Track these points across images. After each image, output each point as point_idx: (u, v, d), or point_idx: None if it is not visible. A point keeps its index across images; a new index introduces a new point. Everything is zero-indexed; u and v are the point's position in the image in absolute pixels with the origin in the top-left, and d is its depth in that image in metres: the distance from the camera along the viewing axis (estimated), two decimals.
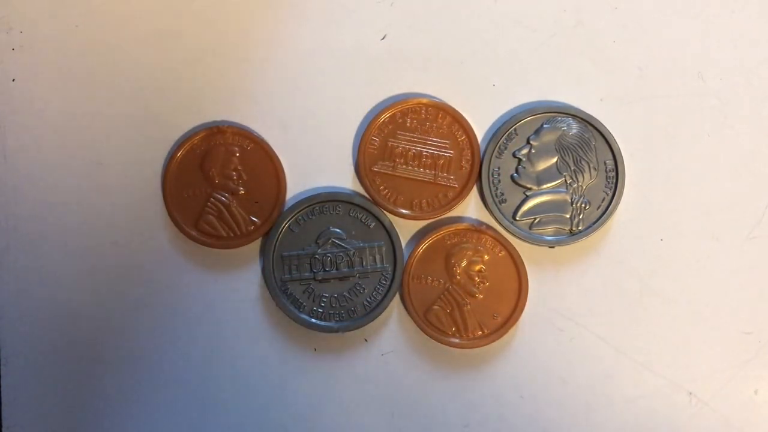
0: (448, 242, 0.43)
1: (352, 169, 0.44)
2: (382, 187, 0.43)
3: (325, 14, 0.45)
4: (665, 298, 0.43)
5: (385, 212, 0.43)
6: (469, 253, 0.43)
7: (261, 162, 0.43)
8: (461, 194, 0.43)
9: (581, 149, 0.43)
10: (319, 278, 0.43)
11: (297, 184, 0.44)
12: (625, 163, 0.43)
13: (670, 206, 0.43)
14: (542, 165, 0.43)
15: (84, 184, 0.44)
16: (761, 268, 0.43)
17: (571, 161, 0.43)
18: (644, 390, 0.42)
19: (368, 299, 0.43)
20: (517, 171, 0.43)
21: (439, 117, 0.44)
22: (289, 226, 0.43)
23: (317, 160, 0.44)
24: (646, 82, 0.44)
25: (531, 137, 0.43)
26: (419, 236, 0.43)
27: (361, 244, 0.43)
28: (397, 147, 0.43)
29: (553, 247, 0.43)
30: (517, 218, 0.43)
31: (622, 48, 0.44)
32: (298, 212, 0.43)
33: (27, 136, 0.44)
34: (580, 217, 0.43)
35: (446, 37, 0.44)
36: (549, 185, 0.43)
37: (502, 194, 0.43)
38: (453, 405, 0.42)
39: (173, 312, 0.43)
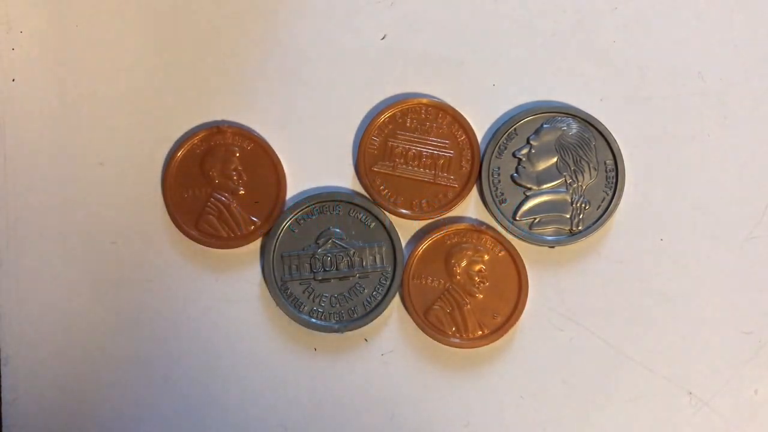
0: (448, 242, 0.43)
1: (352, 169, 0.44)
2: (382, 187, 0.43)
3: (325, 14, 0.45)
4: (665, 298, 0.43)
5: (385, 212, 0.43)
6: (469, 253, 0.43)
7: (261, 162, 0.43)
8: (461, 194, 0.43)
9: (581, 149, 0.43)
10: (319, 278, 0.43)
11: (297, 184, 0.44)
12: (625, 163, 0.43)
13: (670, 206, 0.43)
14: (542, 165, 0.43)
15: (84, 184, 0.44)
16: (761, 268, 0.43)
17: (571, 161, 0.43)
18: (644, 390, 0.42)
19: (368, 299, 0.43)
20: (517, 171, 0.43)
21: (439, 117, 0.44)
22: (289, 226, 0.43)
23: (317, 160, 0.44)
24: (646, 82, 0.44)
25: (531, 137, 0.43)
26: (419, 236, 0.43)
27: (361, 244, 0.43)
28: (397, 147, 0.43)
29: (553, 247, 0.43)
30: (517, 218, 0.43)
31: (622, 48, 0.44)
32: (298, 212, 0.43)
33: (27, 136, 0.44)
34: (580, 217, 0.43)
35: (446, 37, 0.44)
36: (549, 185, 0.43)
37: (502, 194, 0.43)
38: (453, 405, 0.42)
39: (173, 312, 0.43)
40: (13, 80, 0.44)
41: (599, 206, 0.43)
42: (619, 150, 0.43)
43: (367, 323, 0.42)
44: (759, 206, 0.43)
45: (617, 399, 0.42)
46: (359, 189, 0.44)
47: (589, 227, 0.43)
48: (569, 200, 0.43)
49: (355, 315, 0.43)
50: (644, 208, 0.43)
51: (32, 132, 0.44)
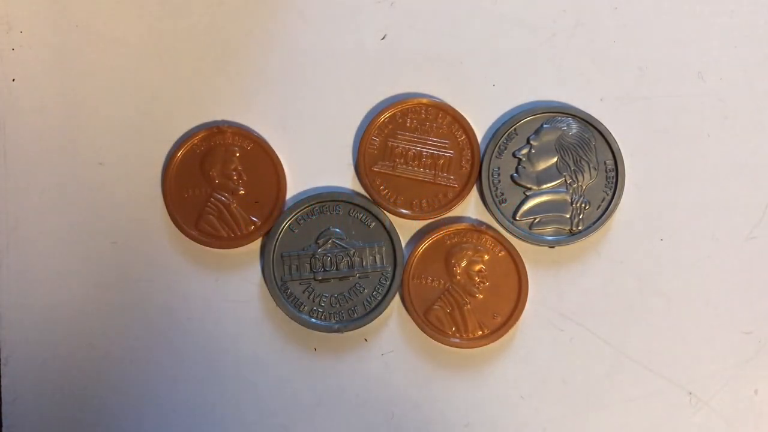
0: (448, 242, 0.43)
1: (352, 169, 0.44)
2: (382, 187, 0.43)
3: (325, 14, 0.45)
4: (665, 298, 0.43)
5: (385, 212, 0.43)
6: (469, 253, 0.43)
7: (261, 162, 0.43)
8: (461, 194, 0.43)
9: (581, 149, 0.43)
10: (319, 278, 0.43)
11: (297, 184, 0.44)
12: (625, 163, 0.43)
13: (670, 206, 0.43)
14: (542, 165, 0.43)
15: (84, 184, 0.44)
16: (761, 268, 0.43)
17: (571, 161, 0.43)
18: (644, 390, 0.42)
19: (368, 299, 0.43)
20: (517, 171, 0.43)
21: (439, 117, 0.44)
22: (289, 226, 0.43)
23: (317, 160, 0.44)
24: (646, 82, 0.44)
25: (531, 137, 0.43)
26: (419, 236, 0.43)
27: (361, 244, 0.43)
28: (397, 147, 0.43)
29: (553, 247, 0.43)
30: (517, 218, 0.43)
31: (622, 48, 0.44)
32: (298, 212, 0.43)
33: (27, 136, 0.44)
34: (580, 217, 0.43)
35: (446, 37, 0.44)
36: (549, 185, 0.43)
37: (502, 194, 0.43)
38: (453, 405, 0.42)
39: (173, 312, 0.43)
40: (13, 80, 0.44)
41: (599, 206, 0.43)
42: (619, 150, 0.43)
43: (367, 323, 0.42)
44: (759, 206, 0.43)
45: (617, 399, 0.42)
46: (359, 189, 0.44)
47: (589, 227, 0.43)
48: (569, 200, 0.43)
49: (355, 315, 0.43)
50: (644, 208, 0.43)
51: (32, 132, 0.44)
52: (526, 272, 0.42)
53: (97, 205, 0.43)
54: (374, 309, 0.42)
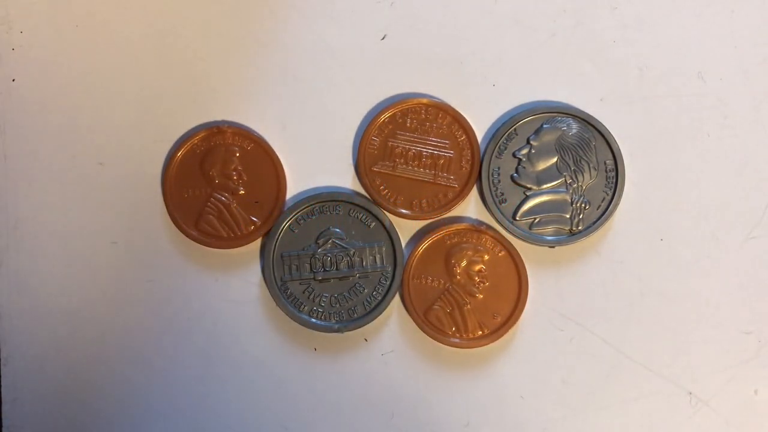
0: (448, 242, 0.43)
1: (352, 169, 0.44)
2: (382, 187, 0.43)
3: (325, 14, 0.45)
4: (665, 298, 0.43)
5: (385, 212, 0.43)
6: (469, 253, 0.43)
7: (261, 162, 0.43)
8: (461, 194, 0.43)
9: (581, 149, 0.43)
10: (319, 278, 0.43)
11: (297, 184, 0.44)
12: (625, 163, 0.43)
13: (670, 206, 0.43)
14: (542, 165, 0.43)
15: (84, 184, 0.44)
16: (761, 268, 0.43)
17: (571, 161, 0.43)
18: (644, 390, 0.42)
19: (368, 299, 0.43)
20: (517, 171, 0.43)
21: (439, 117, 0.44)
22: (289, 226, 0.43)
23: (317, 160, 0.44)
24: (646, 82, 0.44)
25: (531, 137, 0.43)
26: (419, 236, 0.43)
27: (361, 244, 0.43)
28: (397, 147, 0.43)
29: (553, 247, 0.43)
30: (517, 218, 0.43)
31: (622, 48, 0.44)
32: (298, 212, 0.43)
33: (27, 136, 0.44)
34: (580, 217, 0.43)
35: (446, 37, 0.44)
36: (549, 185, 0.43)
37: (502, 194, 0.43)
38: (453, 405, 0.42)
39: (173, 312, 0.43)
40: (13, 80, 0.44)
41: (599, 206, 0.43)
42: (619, 150, 0.43)
43: (367, 323, 0.42)
44: (759, 206, 0.43)
45: (617, 399, 0.42)
46: (359, 189, 0.44)
47: (589, 227, 0.43)
48: (569, 200, 0.43)
49: (355, 315, 0.43)
50: (644, 208, 0.43)
51: (32, 132, 0.44)
52: (526, 272, 0.42)
53: (97, 205, 0.43)
54: (374, 309, 0.42)
